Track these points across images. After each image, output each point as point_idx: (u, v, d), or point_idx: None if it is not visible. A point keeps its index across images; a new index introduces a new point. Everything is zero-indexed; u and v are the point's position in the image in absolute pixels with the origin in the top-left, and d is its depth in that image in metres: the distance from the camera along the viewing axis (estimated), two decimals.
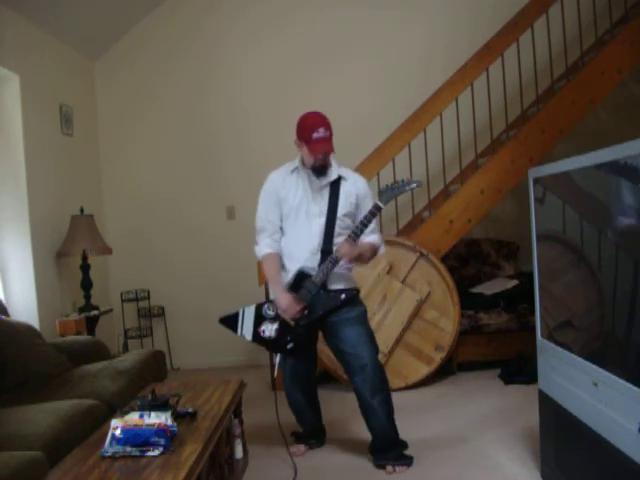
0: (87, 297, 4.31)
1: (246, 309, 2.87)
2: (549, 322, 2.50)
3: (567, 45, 4.39)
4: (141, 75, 5.19)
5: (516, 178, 4.20)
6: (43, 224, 4.15)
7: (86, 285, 4.32)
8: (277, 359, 2.94)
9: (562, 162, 2.24)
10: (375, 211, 2.70)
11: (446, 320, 4.03)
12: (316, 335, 3.00)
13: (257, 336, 2.83)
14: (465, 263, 4.94)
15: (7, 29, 3.88)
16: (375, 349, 2.86)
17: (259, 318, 2.83)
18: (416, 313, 4.03)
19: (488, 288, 4.56)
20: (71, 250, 4.23)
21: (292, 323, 2.79)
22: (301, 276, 2.79)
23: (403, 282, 4.05)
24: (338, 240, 2.78)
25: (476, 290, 4.59)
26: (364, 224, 2.71)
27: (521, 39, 4.30)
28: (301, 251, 2.82)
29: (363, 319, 2.88)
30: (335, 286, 2.83)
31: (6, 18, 3.87)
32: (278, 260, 2.89)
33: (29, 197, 3.99)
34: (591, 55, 4.50)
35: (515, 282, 4.54)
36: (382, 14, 5.02)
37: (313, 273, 2.77)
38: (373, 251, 2.86)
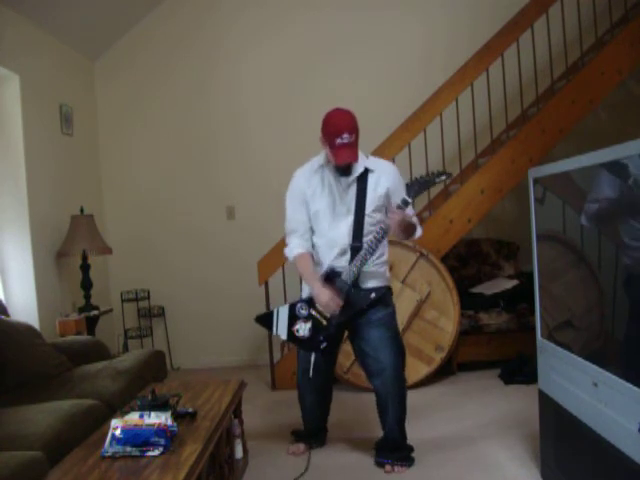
0: (87, 297, 4.31)
1: (280, 308, 2.87)
2: (549, 322, 2.50)
3: (567, 45, 4.39)
4: (141, 75, 5.19)
5: (516, 178, 4.20)
6: (43, 224, 4.15)
7: (86, 285, 4.31)
8: (312, 358, 2.90)
9: (562, 162, 2.24)
10: (403, 206, 2.61)
11: (446, 320, 4.03)
12: (342, 335, 2.99)
13: (292, 335, 2.83)
14: (465, 263, 4.94)
15: (7, 29, 3.88)
16: (398, 353, 2.83)
17: (293, 317, 2.82)
18: (416, 313, 4.03)
19: (488, 288, 4.56)
20: (71, 250, 4.23)
21: (325, 322, 2.77)
22: (331, 275, 2.78)
23: (403, 282, 4.05)
24: (367, 239, 2.74)
25: (476, 290, 4.59)
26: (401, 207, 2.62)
27: (521, 39, 4.30)
28: (330, 251, 2.80)
29: (387, 321, 2.84)
30: (366, 284, 2.80)
31: (6, 18, 3.87)
32: (311, 259, 2.86)
33: (29, 197, 3.99)
34: (591, 55, 4.51)
35: (515, 282, 4.54)
36: (382, 14, 5.02)
37: (344, 271, 2.75)
38: (413, 227, 2.79)
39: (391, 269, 4.04)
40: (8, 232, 3.99)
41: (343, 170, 2.75)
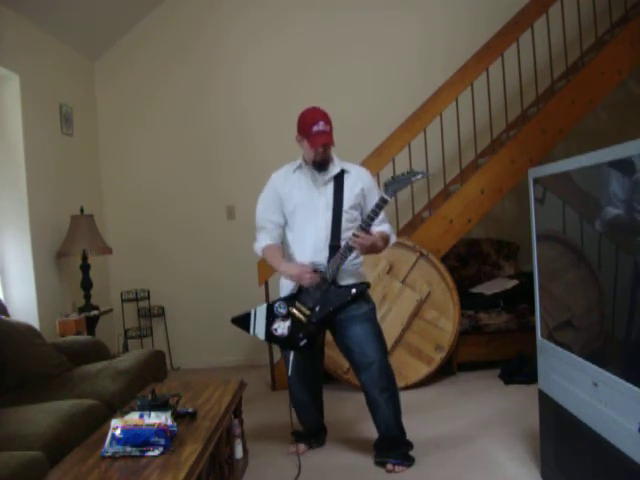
0: (87, 297, 4.31)
1: (258, 309, 2.88)
2: (549, 322, 2.50)
3: (567, 45, 4.39)
4: (141, 75, 5.19)
5: (516, 178, 4.20)
6: (43, 224, 4.15)
7: (86, 285, 4.31)
8: (291, 357, 2.92)
9: (562, 162, 2.24)
10: (381, 204, 2.68)
11: (446, 320, 4.03)
12: (324, 333, 3.00)
13: (270, 335, 2.84)
14: (465, 263, 4.94)
15: (7, 29, 3.88)
16: (383, 347, 2.87)
17: (271, 317, 2.84)
18: (416, 313, 4.03)
19: (488, 288, 4.56)
20: (71, 250, 4.23)
21: (304, 320, 2.78)
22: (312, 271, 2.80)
23: (403, 282, 4.05)
24: (346, 235, 2.78)
25: (476, 290, 4.59)
26: (371, 217, 2.69)
27: (521, 39, 4.30)
28: (309, 247, 2.83)
29: (371, 317, 2.87)
30: (345, 281, 2.83)
31: (6, 18, 3.87)
32: (279, 249, 2.92)
33: (29, 197, 3.99)
34: (591, 55, 4.51)
35: (515, 282, 4.54)
36: (382, 14, 5.02)
37: (323, 269, 2.77)
38: (385, 240, 2.85)
39: (391, 269, 4.05)
40: (8, 232, 3.99)
41: (319, 165, 2.83)
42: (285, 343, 2.86)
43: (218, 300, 5.09)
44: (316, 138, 2.75)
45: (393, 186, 2.67)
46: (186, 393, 2.70)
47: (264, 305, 2.88)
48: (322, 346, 3.09)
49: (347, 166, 2.91)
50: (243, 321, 2.89)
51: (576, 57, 4.55)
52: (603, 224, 1.97)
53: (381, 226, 2.87)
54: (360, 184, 2.88)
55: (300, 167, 2.91)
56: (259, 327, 2.85)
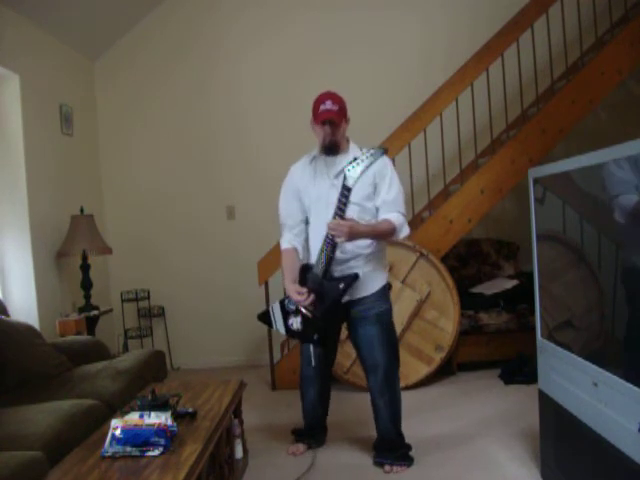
0: (87, 297, 4.31)
1: (274, 305, 2.92)
2: (549, 322, 2.50)
3: (567, 45, 4.39)
4: (141, 75, 5.19)
5: (516, 178, 4.20)
6: (43, 224, 4.14)
7: (86, 285, 4.31)
8: (312, 348, 2.94)
9: (562, 162, 2.24)
10: (345, 192, 2.58)
11: (446, 320, 4.03)
12: (339, 330, 3.01)
13: (288, 329, 2.87)
14: (465, 263, 4.94)
15: (7, 29, 3.88)
16: (389, 352, 2.83)
17: (285, 312, 2.87)
18: (416, 313, 4.03)
19: (488, 288, 4.56)
20: (71, 250, 4.22)
21: (309, 315, 2.77)
22: (304, 269, 2.81)
23: (403, 282, 4.05)
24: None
25: (476, 290, 4.59)
26: (339, 207, 2.59)
27: (521, 39, 4.30)
28: (319, 241, 2.78)
29: (382, 319, 2.84)
30: (350, 270, 2.74)
31: (6, 18, 3.87)
32: (294, 255, 2.90)
33: (29, 197, 3.99)
34: (591, 55, 4.51)
35: (515, 282, 4.54)
36: (382, 14, 5.02)
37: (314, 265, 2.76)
38: (377, 230, 2.70)
39: (391, 269, 4.05)
40: (8, 232, 3.99)
41: (328, 149, 2.79)
42: (301, 337, 2.89)
43: (218, 300, 5.10)
44: (320, 115, 2.74)
45: (352, 171, 2.56)
46: (186, 393, 2.70)
47: (277, 301, 2.92)
48: (335, 345, 3.07)
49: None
50: (266, 317, 2.95)
51: (576, 57, 4.55)
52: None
53: (388, 214, 2.74)
54: (372, 172, 2.73)
55: (315, 158, 2.88)
56: (279, 322, 2.90)
